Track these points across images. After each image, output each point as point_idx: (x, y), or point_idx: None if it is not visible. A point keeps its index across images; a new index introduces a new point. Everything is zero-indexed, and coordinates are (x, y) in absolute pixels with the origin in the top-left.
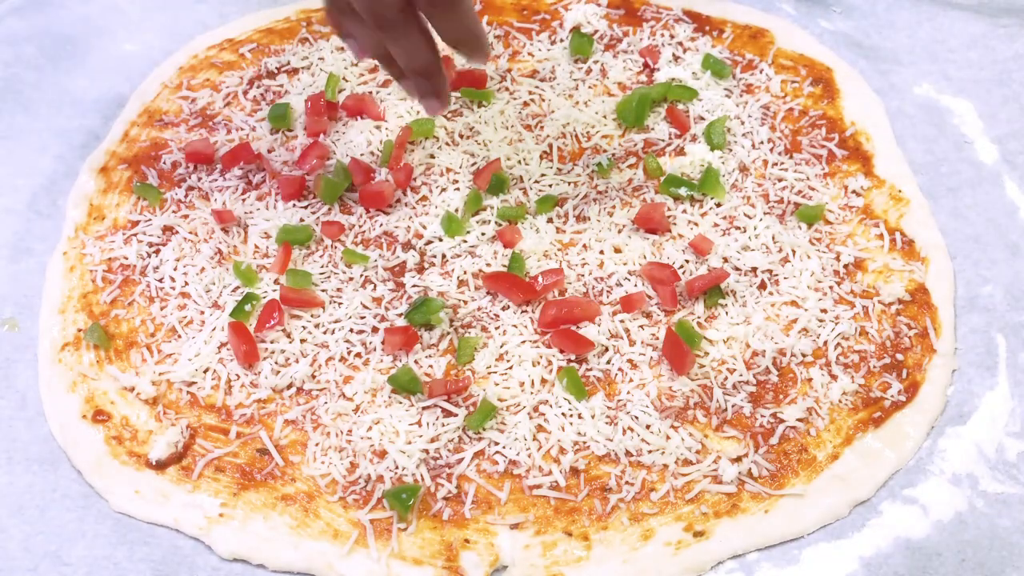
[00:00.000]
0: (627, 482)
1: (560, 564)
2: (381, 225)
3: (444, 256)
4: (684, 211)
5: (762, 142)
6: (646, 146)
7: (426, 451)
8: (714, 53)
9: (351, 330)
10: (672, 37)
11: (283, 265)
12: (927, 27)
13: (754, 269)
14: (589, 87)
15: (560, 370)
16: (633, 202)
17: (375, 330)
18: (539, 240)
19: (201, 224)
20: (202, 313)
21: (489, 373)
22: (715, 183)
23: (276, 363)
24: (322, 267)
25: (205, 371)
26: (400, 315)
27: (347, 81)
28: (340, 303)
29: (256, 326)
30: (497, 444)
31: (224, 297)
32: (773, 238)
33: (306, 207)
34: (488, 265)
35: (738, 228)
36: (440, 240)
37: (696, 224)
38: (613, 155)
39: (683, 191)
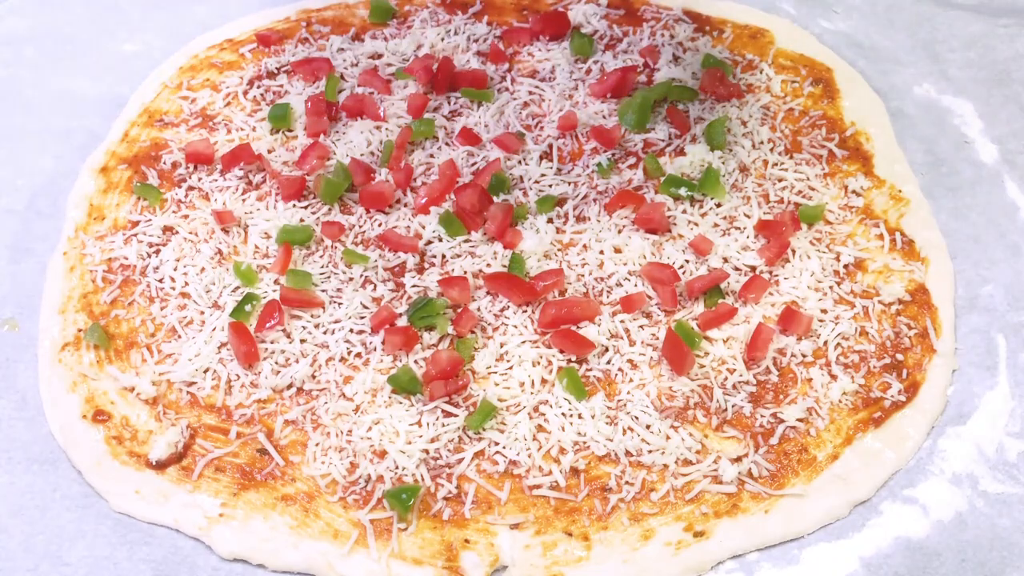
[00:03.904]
0: (627, 482)
1: (560, 564)
2: (381, 225)
3: (444, 256)
4: (684, 211)
5: (762, 142)
6: (646, 146)
7: (426, 451)
8: (714, 53)
9: (351, 330)
10: (672, 37)
11: (283, 265)
12: (927, 27)
13: (753, 269)
14: (589, 87)
15: (560, 370)
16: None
17: (375, 330)
18: (539, 240)
19: (201, 224)
20: (202, 313)
21: (489, 373)
22: (715, 183)
23: (276, 363)
24: (322, 267)
25: (205, 371)
26: (400, 315)
27: (347, 81)
28: (340, 303)
29: (256, 326)
30: (497, 444)
31: (224, 297)
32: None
33: (306, 207)
34: (488, 265)
35: (738, 228)
36: (440, 240)
37: (696, 224)
38: (613, 155)
39: (683, 191)
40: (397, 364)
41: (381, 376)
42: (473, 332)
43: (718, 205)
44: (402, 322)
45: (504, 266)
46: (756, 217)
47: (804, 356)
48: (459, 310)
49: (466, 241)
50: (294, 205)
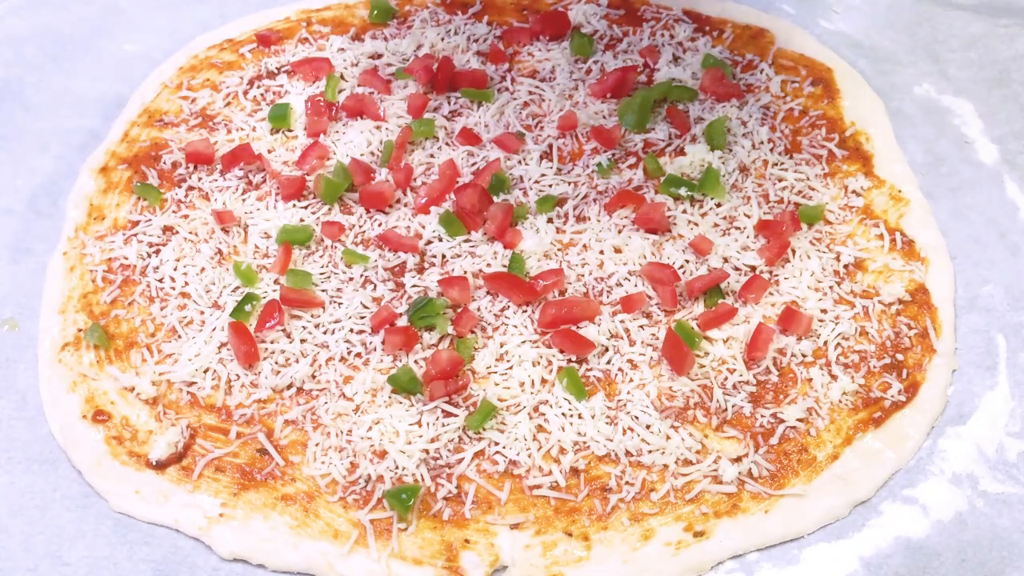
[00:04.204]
0: (627, 482)
1: (560, 564)
2: (381, 225)
3: (444, 256)
4: (684, 211)
5: (762, 142)
6: (646, 146)
7: (426, 451)
8: (714, 53)
9: (351, 330)
10: (672, 37)
11: (284, 265)
12: (927, 27)
13: (753, 269)
14: (589, 87)
15: (560, 370)
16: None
17: (375, 330)
18: (539, 241)
19: (201, 224)
20: (202, 313)
21: (489, 373)
22: (715, 183)
23: (276, 363)
24: (322, 267)
25: (205, 371)
26: (400, 315)
27: (346, 81)
28: (340, 303)
29: (256, 326)
30: (497, 444)
31: (224, 297)
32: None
33: (306, 207)
34: (488, 265)
35: (738, 228)
36: (440, 240)
37: (696, 224)
38: (613, 155)
39: (683, 191)
40: (397, 364)
41: (381, 376)
42: (473, 332)
43: (718, 205)
44: (402, 322)
45: (504, 266)
46: (756, 217)
47: (804, 356)
48: (459, 310)
49: (466, 241)
50: (294, 205)
